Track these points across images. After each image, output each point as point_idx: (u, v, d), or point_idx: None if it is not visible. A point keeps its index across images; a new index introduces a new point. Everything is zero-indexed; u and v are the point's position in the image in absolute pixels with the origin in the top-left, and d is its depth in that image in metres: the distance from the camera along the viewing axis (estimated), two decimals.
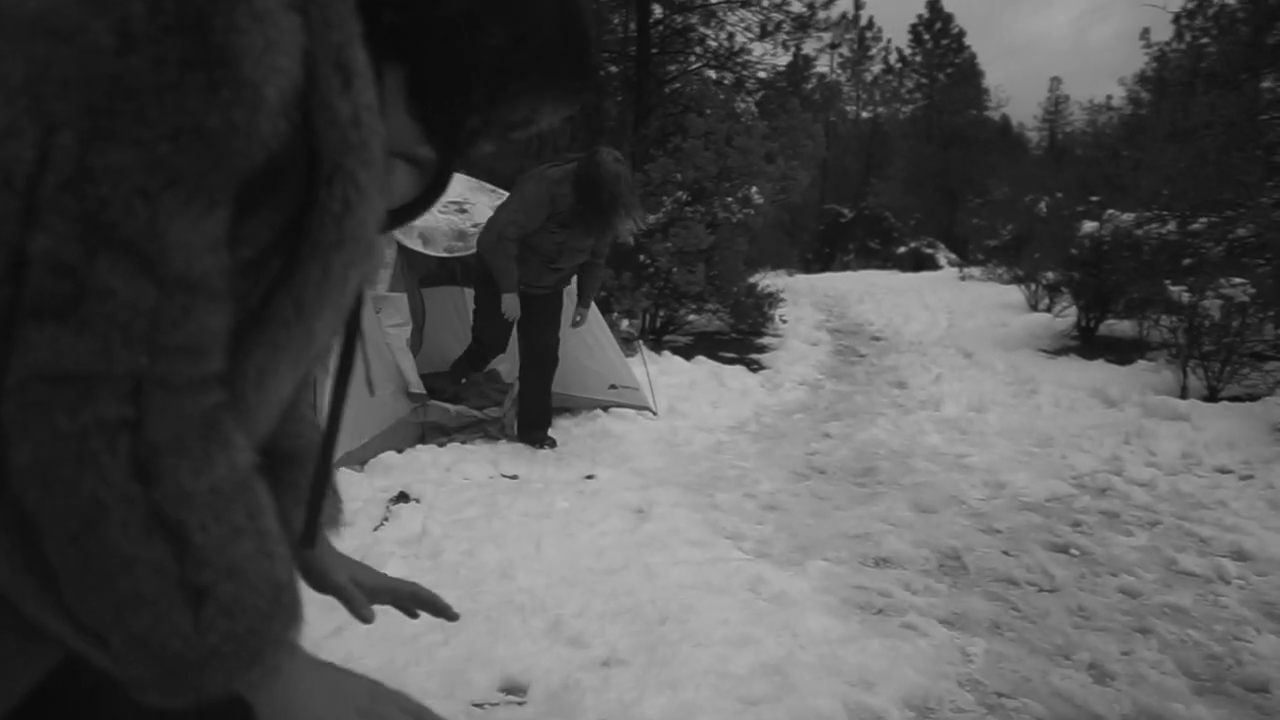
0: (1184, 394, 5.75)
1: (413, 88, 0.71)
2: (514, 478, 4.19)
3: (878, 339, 10.01)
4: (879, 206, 29.76)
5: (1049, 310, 10.49)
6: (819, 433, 5.32)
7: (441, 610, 1.01)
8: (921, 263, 24.04)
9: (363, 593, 0.97)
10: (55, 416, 0.53)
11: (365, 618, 0.96)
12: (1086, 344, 8.34)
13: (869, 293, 15.73)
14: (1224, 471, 4.26)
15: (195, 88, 0.54)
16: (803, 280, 19.13)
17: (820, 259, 28.10)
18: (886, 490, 4.11)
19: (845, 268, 26.42)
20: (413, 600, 1.01)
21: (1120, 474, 4.24)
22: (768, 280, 11.36)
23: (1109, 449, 4.65)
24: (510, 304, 4.54)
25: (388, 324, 4.48)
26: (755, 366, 7.67)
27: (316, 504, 0.90)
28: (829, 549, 3.33)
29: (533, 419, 4.83)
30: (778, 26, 14.87)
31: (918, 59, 40.17)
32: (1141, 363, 6.74)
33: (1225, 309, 5.54)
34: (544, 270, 4.67)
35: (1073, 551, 3.32)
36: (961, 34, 39.65)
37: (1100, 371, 6.78)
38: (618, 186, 4.39)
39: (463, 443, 4.67)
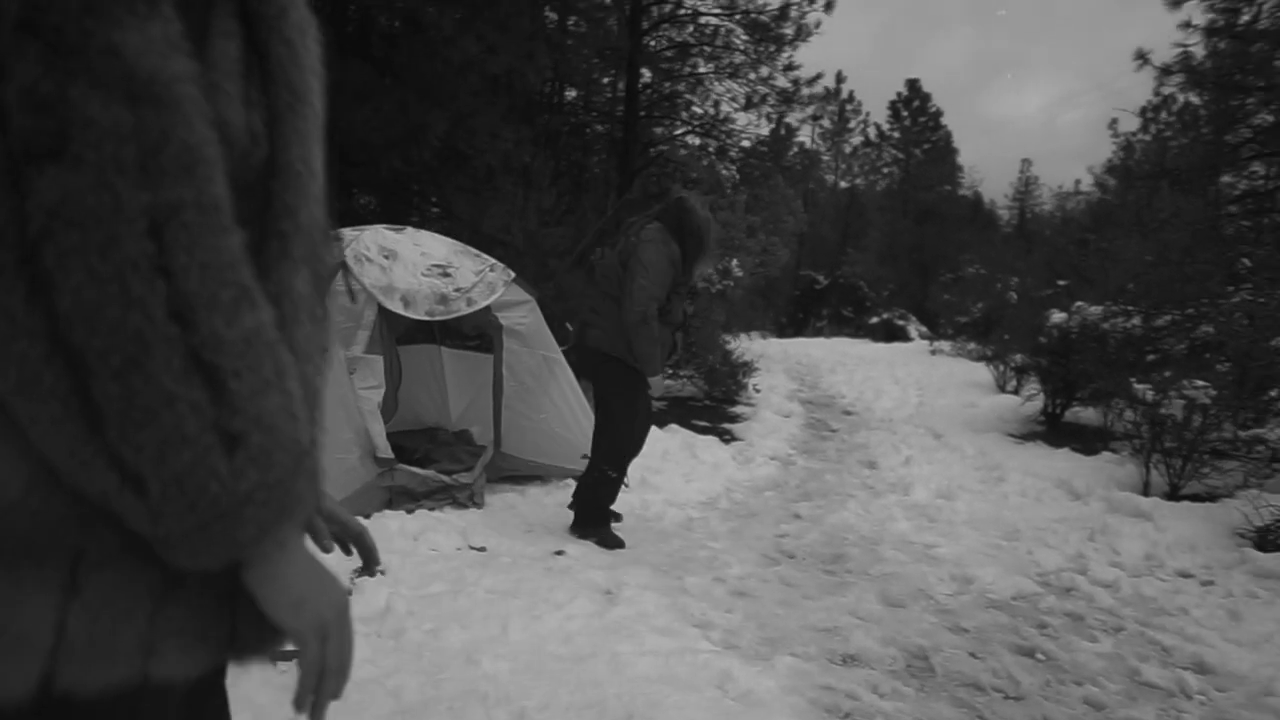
0: (1146, 490, 5.84)
1: None
2: (482, 550, 4.14)
3: (849, 413, 10.09)
4: (853, 276, 30.30)
5: (1017, 392, 10.65)
6: (789, 513, 5.32)
7: (369, 565, 1.06)
8: (893, 334, 24.41)
9: (321, 519, 1.00)
10: (90, 259, 0.55)
11: (325, 549, 0.99)
12: (1052, 430, 8.47)
13: (841, 362, 15.90)
14: (1185, 575, 4.31)
15: None
16: (776, 345, 19.32)
17: (794, 324, 28.44)
18: (855, 580, 4.11)
19: (818, 334, 26.76)
20: (356, 541, 1.05)
21: (1085, 573, 4.28)
22: (742, 347, 11.45)
23: (1074, 545, 4.70)
24: (660, 385, 4.30)
25: (361, 387, 4.45)
26: (728, 437, 7.69)
27: None
28: (797, 643, 3.31)
29: (604, 514, 4.50)
30: (763, 99, 15.28)
31: (895, 134, 41.33)
32: (1106, 454, 6.86)
33: (1187, 408, 5.67)
34: (673, 341, 4.40)
35: (1038, 656, 3.33)
36: (939, 113, 40.95)
37: (1066, 461, 6.88)
38: (710, 232, 4.30)
39: (430, 509, 4.61)
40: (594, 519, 4.50)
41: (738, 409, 9.39)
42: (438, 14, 8.06)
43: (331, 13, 9.97)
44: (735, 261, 8.68)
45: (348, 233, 4.91)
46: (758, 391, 10.24)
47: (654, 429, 7.20)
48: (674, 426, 7.44)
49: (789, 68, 14.90)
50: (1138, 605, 3.91)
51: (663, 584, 3.86)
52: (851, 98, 41.65)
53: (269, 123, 0.69)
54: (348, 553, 1.06)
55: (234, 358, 0.60)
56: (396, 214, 9.66)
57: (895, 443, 7.74)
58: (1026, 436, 8.22)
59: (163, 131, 0.57)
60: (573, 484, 5.30)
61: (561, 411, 5.36)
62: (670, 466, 6.14)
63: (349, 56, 8.56)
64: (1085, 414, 8.67)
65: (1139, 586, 4.11)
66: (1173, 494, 5.77)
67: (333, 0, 9.54)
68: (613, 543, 4.41)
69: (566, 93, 16.72)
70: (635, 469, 5.66)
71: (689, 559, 4.32)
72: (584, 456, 5.40)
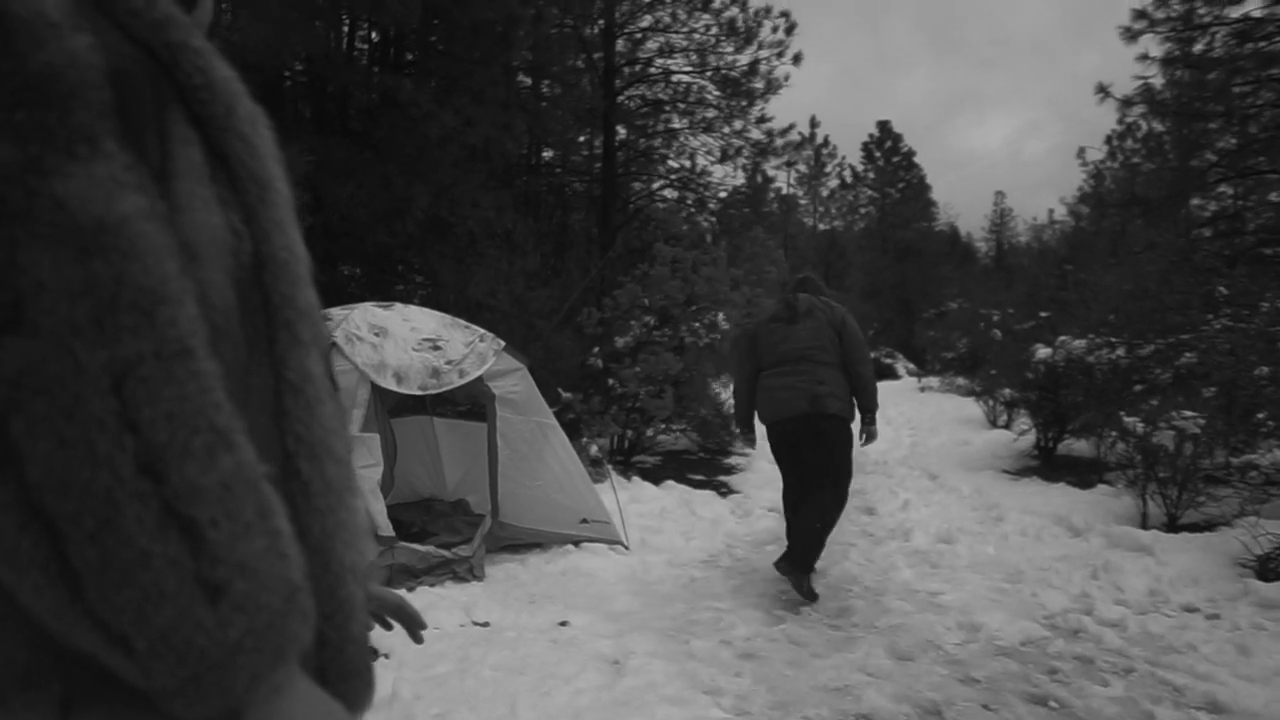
0: (1144, 522, 5.85)
1: None
2: (485, 625, 4.10)
3: None
4: None
5: (1008, 426, 10.71)
6: None
7: (414, 631, 1.09)
8: (881, 372, 24.51)
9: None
10: (57, 424, 0.54)
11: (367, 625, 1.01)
12: (1047, 464, 8.49)
13: None
14: (1190, 610, 4.30)
15: None
16: None
17: None
18: (863, 634, 4.08)
19: None
20: (396, 613, 1.06)
21: (1091, 613, 4.26)
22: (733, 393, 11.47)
23: (1078, 585, 4.69)
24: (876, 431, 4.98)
25: (359, 466, 4.43)
26: (725, 490, 7.68)
27: None
28: (809, 705, 3.28)
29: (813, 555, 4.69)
30: (738, 151, 15.54)
31: (870, 175, 42.03)
32: (1102, 487, 6.88)
33: (1178, 439, 5.72)
34: None
35: (1051, 704, 3.31)
36: (911, 153, 41.69)
37: (1062, 496, 6.90)
38: None
39: (431, 585, 4.58)
40: (810, 557, 4.64)
41: (732, 459, 9.38)
42: (414, 89, 8.21)
43: (310, 91, 10.16)
44: (722, 315, 8.79)
45: (337, 312, 4.94)
46: None
47: (650, 486, 7.21)
48: (670, 483, 7.43)
49: (761, 120, 15.19)
50: (1146, 644, 3.89)
51: (669, 650, 3.83)
52: (826, 142, 42.39)
53: (246, 219, 0.70)
54: (387, 627, 1.07)
55: (211, 505, 0.59)
56: (382, 284, 9.72)
57: (892, 486, 7.74)
58: (1021, 472, 8.24)
59: (116, 280, 0.57)
60: (572, 550, 5.29)
61: (558, 477, 5.36)
62: (669, 525, 6.12)
63: (330, 134, 8.70)
64: (1078, 446, 8.71)
65: (1146, 624, 4.10)
66: (1171, 525, 5.78)
67: (311, 79, 9.72)
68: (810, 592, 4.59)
69: (544, 153, 16.96)
70: (633, 529, 5.66)
71: (694, 621, 4.29)
72: (583, 521, 5.40)
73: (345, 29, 10.12)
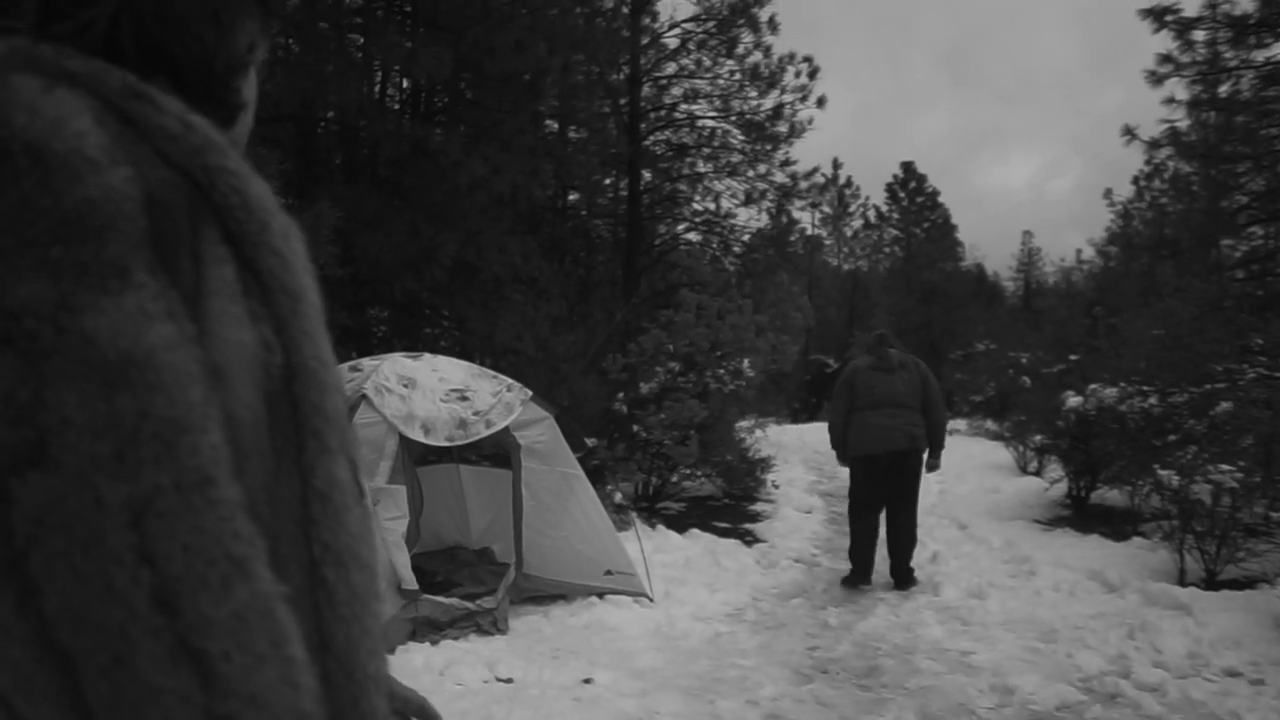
0: (1182, 579, 5.70)
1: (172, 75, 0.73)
2: (509, 681, 4.06)
3: None
4: None
5: (1039, 473, 10.53)
6: (819, 622, 5.22)
7: None
8: None
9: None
10: (75, 560, 0.54)
11: None
12: (1079, 514, 8.32)
13: None
14: (1233, 675, 4.17)
15: (35, 190, 0.56)
16: (791, 432, 19.20)
17: (807, 408, 28.31)
18: (892, 696, 4.00)
19: None
20: (419, 714, 1.02)
21: (1128, 676, 4.14)
22: (758, 438, 11.38)
23: (1114, 645, 4.57)
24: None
25: (385, 518, 4.45)
26: (750, 539, 7.61)
27: None
28: None
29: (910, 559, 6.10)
30: (762, 194, 15.63)
31: (894, 215, 42.02)
32: (1137, 540, 6.72)
33: (1215, 494, 5.59)
34: None
35: None
36: (935, 192, 41.67)
37: (1096, 549, 6.75)
38: None
39: (455, 639, 4.55)
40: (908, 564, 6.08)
41: (758, 506, 9.30)
42: (444, 138, 8.36)
43: (341, 140, 10.38)
44: (747, 362, 8.78)
45: (368, 363, 5.00)
46: (776, 488, 10.15)
47: (675, 535, 7.16)
48: (695, 531, 7.37)
49: (786, 163, 15.29)
50: (1187, 711, 3.77)
51: (694, 710, 3.78)
52: (849, 182, 42.47)
53: (277, 330, 0.71)
54: None
55: (224, 638, 0.58)
56: (409, 329, 9.82)
57: (920, 536, 7.60)
58: (1053, 522, 8.08)
59: (140, 413, 0.57)
60: (596, 602, 5.25)
61: (583, 528, 5.33)
62: (693, 576, 6.06)
63: (360, 183, 8.86)
64: (1111, 495, 8.54)
65: (1186, 689, 3.97)
66: (1210, 581, 5.63)
67: (343, 128, 9.94)
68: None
69: (569, 196, 17.15)
70: (658, 580, 5.60)
71: (719, 680, 4.22)
72: (607, 573, 5.36)
73: (378, 79, 10.36)
